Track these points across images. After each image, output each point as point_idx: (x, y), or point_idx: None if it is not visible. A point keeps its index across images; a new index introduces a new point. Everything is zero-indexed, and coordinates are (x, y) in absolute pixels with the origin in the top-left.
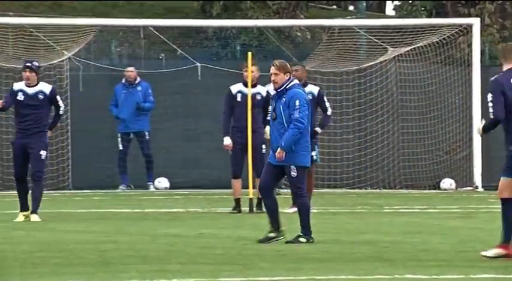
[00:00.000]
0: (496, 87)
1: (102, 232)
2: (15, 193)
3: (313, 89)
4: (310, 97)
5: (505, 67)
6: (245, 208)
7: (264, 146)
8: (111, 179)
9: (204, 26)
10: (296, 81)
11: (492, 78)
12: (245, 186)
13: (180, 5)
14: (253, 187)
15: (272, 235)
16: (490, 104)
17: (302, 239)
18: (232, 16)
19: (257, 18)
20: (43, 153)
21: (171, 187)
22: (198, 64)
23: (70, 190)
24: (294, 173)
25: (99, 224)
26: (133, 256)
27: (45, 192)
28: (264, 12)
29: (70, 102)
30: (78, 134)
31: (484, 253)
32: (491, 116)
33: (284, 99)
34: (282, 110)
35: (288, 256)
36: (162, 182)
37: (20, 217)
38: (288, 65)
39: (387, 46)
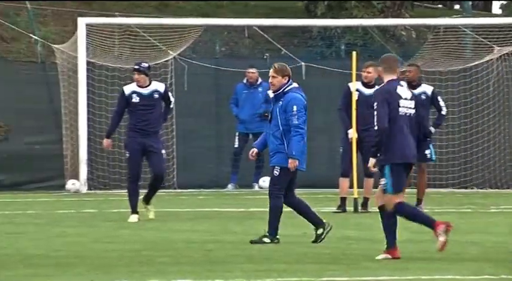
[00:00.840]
0: (382, 97)
1: (207, 231)
2: (120, 192)
3: (427, 88)
4: (424, 97)
5: (388, 78)
6: (350, 208)
7: None
8: (216, 178)
9: (309, 25)
10: (295, 84)
11: (378, 88)
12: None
13: (284, 4)
14: (359, 187)
15: (320, 231)
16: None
17: (266, 240)
18: (336, 15)
19: (362, 17)
20: (164, 152)
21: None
22: (303, 63)
23: (175, 189)
24: (276, 173)
25: (204, 223)
26: (238, 255)
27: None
28: (369, 11)
29: (175, 102)
30: (183, 133)
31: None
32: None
33: (281, 102)
34: (278, 113)
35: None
36: (267, 181)
37: (134, 218)
38: (287, 69)
39: (493, 45)
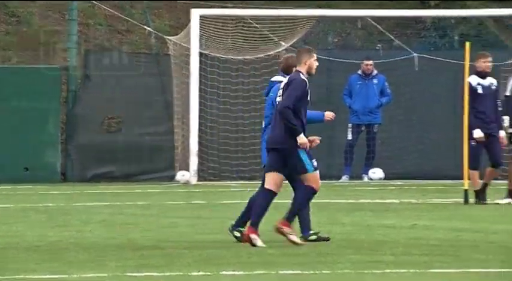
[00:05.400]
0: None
1: (315, 222)
2: (230, 183)
3: None
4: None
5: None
6: (459, 199)
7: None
8: (327, 169)
9: (422, 16)
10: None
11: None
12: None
13: None
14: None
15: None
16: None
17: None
18: (450, 6)
19: (476, 7)
20: None
21: (386, 178)
22: (415, 54)
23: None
24: None
25: (313, 214)
26: (346, 246)
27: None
28: (484, 1)
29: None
30: None
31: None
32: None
33: None
34: None
35: (503, 248)
36: (377, 173)
37: None
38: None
39: None
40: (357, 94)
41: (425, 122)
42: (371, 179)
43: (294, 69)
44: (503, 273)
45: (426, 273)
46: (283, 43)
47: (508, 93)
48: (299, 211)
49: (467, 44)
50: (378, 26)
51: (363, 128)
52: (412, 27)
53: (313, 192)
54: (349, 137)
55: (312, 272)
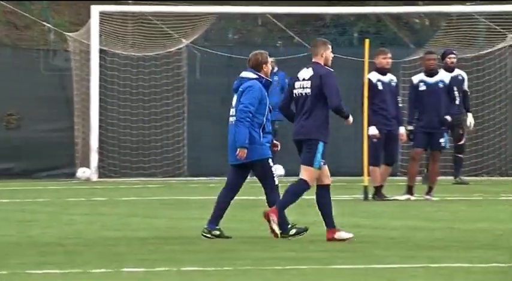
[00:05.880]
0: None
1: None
2: (130, 180)
3: (444, 77)
4: (441, 85)
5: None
6: (359, 195)
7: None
8: (226, 166)
9: (322, 13)
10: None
11: (330, 70)
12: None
13: None
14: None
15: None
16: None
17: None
18: (350, 3)
19: (375, 5)
20: None
21: (287, 175)
22: None
23: (186, 177)
24: None
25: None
26: (247, 243)
27: (161, 179)
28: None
29: (187, 90)
30: (194, 121)
31: None
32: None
33: None
34: None
35: (403, 243)
36: (278, 170)
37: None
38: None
39: (506, 32)
40: None
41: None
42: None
43: (263, 66)
44: (403, 268)
45: (326, 269)
46: (183, 40)
47: (466, 89)
48: (290, 202)
49: (367, 41)
50: (278, 23)
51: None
52: (311, 24)
53: (307, 188)
54: None
55: (213, 268)
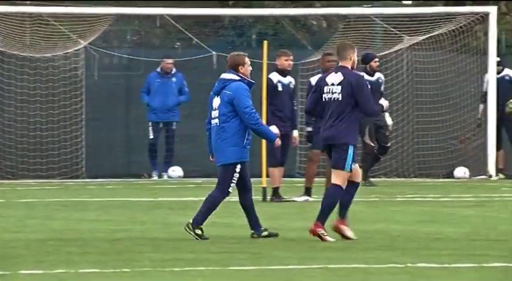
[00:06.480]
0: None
1: (115, 220)
2: (28, 182)
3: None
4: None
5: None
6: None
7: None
8: (124, 168)
9: (220, 15)
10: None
11: (360, 75)
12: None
13: None
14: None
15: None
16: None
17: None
18: (248, 5)
19: (273, 7)
20: None
21: (185, 176)
22: (214, 53)
23: (84, 178)
24: None
25: (112, 213)
26: (146, 244)
27: (58, 181)
28: (280, 1)
29: (85, 91)
30: (92, 122)
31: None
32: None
33: None
34: None
35: (301, 245)
36: (176, 171)
37: None
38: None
39: (403, 34)
40: (156, 92)
41: None
42: (170, 177)
43: (239, 67)
44: (301, 269)
45: (225, 270)
46: (81, 41)
47: (382, 91)
48: (330, 209)
49: (265, 42)
50: (176, 24)
51: (161, 125)
52: (210, 26)
53: (341, 191)
54: (151, 135)
55: (111, 270)
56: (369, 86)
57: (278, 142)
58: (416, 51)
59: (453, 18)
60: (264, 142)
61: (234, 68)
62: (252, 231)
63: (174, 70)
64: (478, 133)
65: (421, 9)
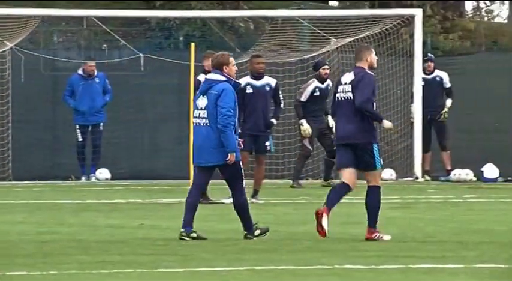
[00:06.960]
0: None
1: (42, 222)
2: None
3: (270, 81)
4: (268, 89)
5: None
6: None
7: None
8: (51, 170)
9: (148, 16)
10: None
11: (369, 72)
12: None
13: None
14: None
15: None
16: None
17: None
18: (175, 7)
19: (200, 8)
20: None
21: (112, 178)
22: (141, 55)
23: (10, 180)
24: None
25: (39, 215)
26: (73, 247)
27: None
28: (208, 2)
29: (11, 93)
30: (19, 124)
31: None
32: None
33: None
34: None
35: (229, 247)
36: (103, 173)
37: None
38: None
39: (330, 37)
40: (82, 95)
41: (152, 122)
42: (98, 179)
43: (224, 67)
44: (229, 271)
45: (153, 272)
46: (7, 43)
47: (302, 99)
48: (376, 211)
49: (192, 44)
50: (103, 25)
51: (90, 128)
52: (137, 27)
53: (379, 190)
54: (80, 138)
55: (38, 273)
56: (366, 86)
57: (232, 157)
58: (343, 53)
59: (379, 20)
60: (191, 143)
61: (219, 68)
62: (184, 229)
63: (96, 72)
64: (404, 135)
65: (348, 12)
